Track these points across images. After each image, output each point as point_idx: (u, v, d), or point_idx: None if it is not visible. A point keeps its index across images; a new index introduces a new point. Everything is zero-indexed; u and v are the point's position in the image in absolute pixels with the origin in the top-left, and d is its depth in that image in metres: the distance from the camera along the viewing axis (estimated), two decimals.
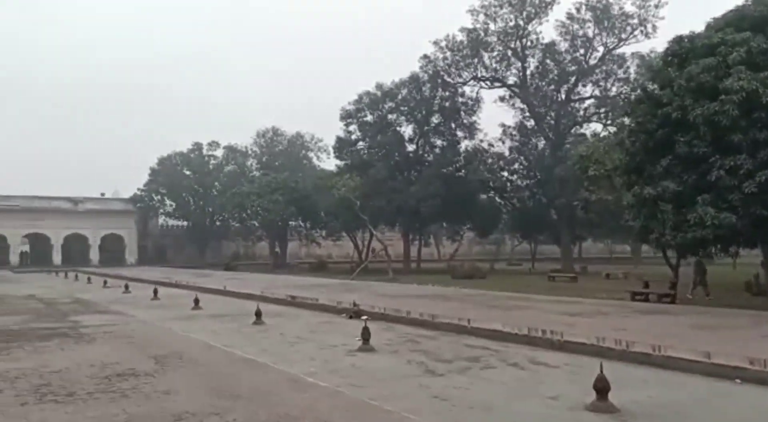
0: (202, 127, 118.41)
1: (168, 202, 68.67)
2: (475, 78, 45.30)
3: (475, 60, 44.31)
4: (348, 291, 23.15)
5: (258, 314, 15.53)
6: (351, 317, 16.69)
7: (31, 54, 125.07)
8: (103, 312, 17.39)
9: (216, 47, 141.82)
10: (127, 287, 27.60)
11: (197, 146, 67.87)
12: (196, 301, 19.40)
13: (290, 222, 58.52)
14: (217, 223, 68.35)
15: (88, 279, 36.33)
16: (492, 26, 43.31)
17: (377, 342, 11.40)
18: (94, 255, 68.05)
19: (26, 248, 71.08)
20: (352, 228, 50.53)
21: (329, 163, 61.98)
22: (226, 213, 62.80)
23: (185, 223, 70.97)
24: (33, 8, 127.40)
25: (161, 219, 73.85)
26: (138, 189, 67.95)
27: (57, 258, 65.30)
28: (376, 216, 43.76)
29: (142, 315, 16.75)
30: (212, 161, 68.19)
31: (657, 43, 41.47)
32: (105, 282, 32.18)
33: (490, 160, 45.64)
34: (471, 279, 33.56)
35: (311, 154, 66.93)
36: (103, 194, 72.63)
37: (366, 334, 11.51)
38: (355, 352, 10.97)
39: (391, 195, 42.78)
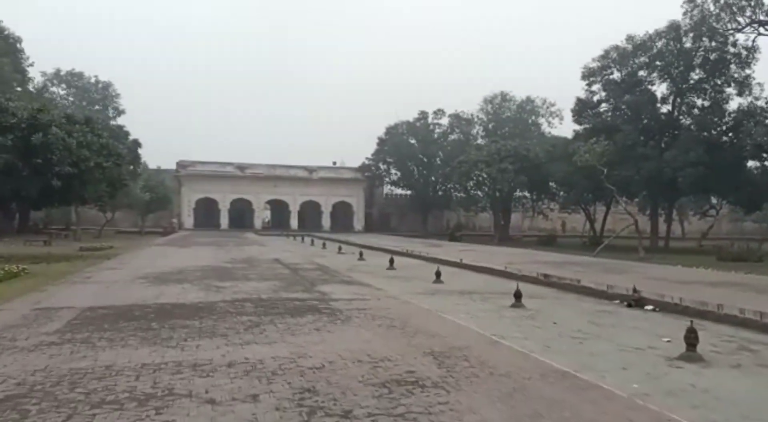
0: (428, 98, 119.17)
1: (393, 170, 69.49)
2: (753, 22, 37.50)
3: (754, 1, 36.53)
4: (605, 272, 19.66)
5: (517, 296, 13.08)
6: (630, 306, 13.49)
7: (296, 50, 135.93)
8: (348, 283, 16.19)
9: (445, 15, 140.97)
10: (361, 254, 27.04)
11: (423, 115, 67.42)
12: (438, 274, 17.61)
13: (514, 193, 55.42)
14: (440, 193, 67.61)
15: (323, 244, 37.11)
16: None
17: (699, 347, 8.26)
18: (326, 221, 71.64)
19: (268, 213, 77.45)
20: (588, 200, 45.90)
21: (561, 129, 57.49)
22: (449, 183, 61.58)
23: (408, 192, 71.46)
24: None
25: (386, 188, 75.31)
26: (366, 158, 69.89)
27: (294, 223, 69.88)
28: (622, 187, 38.77)
29: (387, 288, 15.22)
30: (437, 130, 67.34)
31: None
32: (339, 248, 32.40)
33: None
34: (744, 262, 27.88)
35: (542, 120, 62.65)
36: (334, 163, 76.06)
37: (692, 337, 8.38)
38: (677, 362, 7.97)
39: (641, 162, 37.49)
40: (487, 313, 11.98)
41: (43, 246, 31.36)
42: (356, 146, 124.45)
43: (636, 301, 13.59)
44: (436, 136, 67.02)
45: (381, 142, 68.72)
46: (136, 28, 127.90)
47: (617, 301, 14.05)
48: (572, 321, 11.22)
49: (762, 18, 37.36)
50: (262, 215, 72.72)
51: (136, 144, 53.34)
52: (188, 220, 67.03)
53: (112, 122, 60.07)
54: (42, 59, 65.34)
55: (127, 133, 54.16)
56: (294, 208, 71.38)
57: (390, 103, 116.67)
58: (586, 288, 15.79)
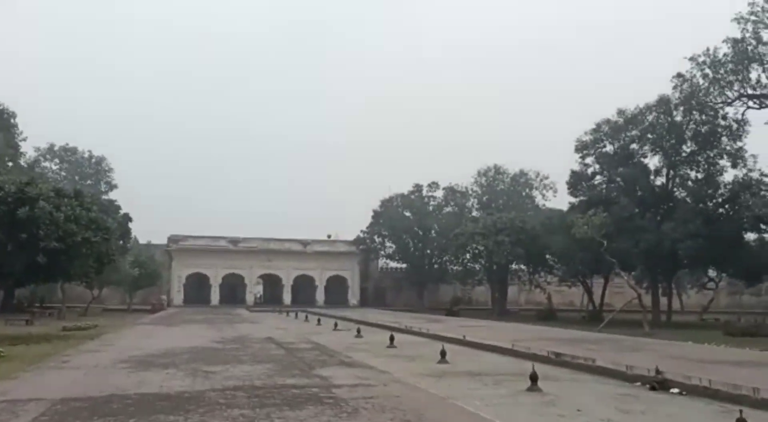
0: (422, 170, 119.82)
1: (388, 243, 68.92)
2: (742, 96, 38.07)
3: (744, 75, 37.22)
4: (618, 350, 18.63)
5: (534, 378, 12.08)
6: (654, 389, 12.47)
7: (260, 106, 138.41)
8: (349, 365, 15.12)
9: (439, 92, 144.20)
10: (359, 331, 25.90)
11: (417, 188, 67.64)
12: (443, 354, 16.56)
13: (511, 266, 54.66)
14: (435, 266, 66.74)
15: (318, 320, 35.85)
16: (766, 35, 36.10)
17: None
18: (320, 295, 70.18)
19: (260, 288, 75.96)
20: (585, 273, 45.13)
21: (556, 201, 57.38)
22: (445, 256, 60.87)
23: (404, 266, 70.57)
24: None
25: (381, 262, 74.40)
26: (361, 231, 69.40)
27: (287, 297, 68.38)
28: (621, 260, 38.09)
29: (391, 370, 14.16)
30: (432, 202, 67.39)
31: None
32: (335, 325, 31.22)
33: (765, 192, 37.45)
34: (753, 337, 26.88)
35: (535, 193, 62.87)
36: (329, 236, 75.41)
37: None
38: None
39: (639, 234, 37.02)
40: (504, 399, 10.97)
41: (25, 326, 30.01)
42: (351, 219, 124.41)
43: (660, 384, 12.58)
44: (431, 208, 67.00)
45: (376, 214, 68.51)
46: (134, 105, 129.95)
47: (638, 383, 13.04)
48: (597, 408, 10.22)
49: (750, 92, 37.95)
50: (254, 290, 71.26)
51: (127, 218, 52.69)
52: (178, 296, 65.49)
53: (104, 196, 59.76)
54: (37, 134, 65.64)
55: (118, 207, 53.67)
56: (287, 283, 70.07)
57: (385, 175, 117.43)
58: (604, 369, 14.74)
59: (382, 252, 70.49)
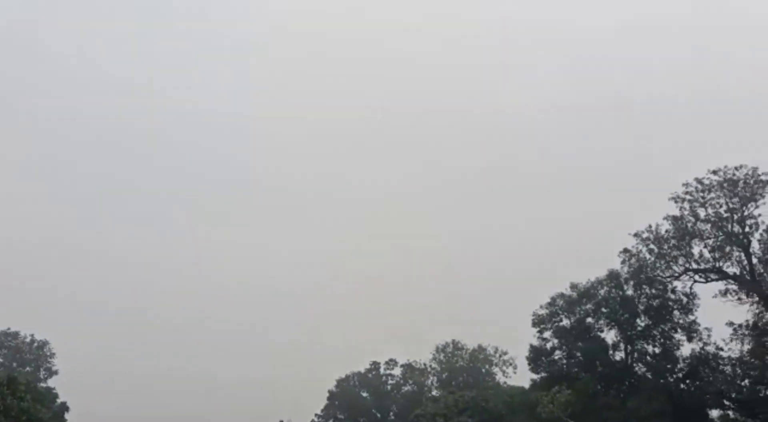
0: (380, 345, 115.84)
1: None
2: (687, 270, 39.54)
3: (686, 250, 39.04)
4: None
5: None
6: None
7: None
8: None
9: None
10: None
11: (375, 365, 65.50)
12: None
13: None
14: None
15: None
16: (702, 212, 38.56)
17: None
18: None
19: None
20: None
21: (516, 378, 56.02)
22: None
23: None
24: None
25: None
26: (315, 415, 65.51)
27: None
28: None
29: None
30: (390, 381, 64.90)
31: None
32: None
33: (727, 368, 37.43)
34: None
35: (495, 369, 61.46)
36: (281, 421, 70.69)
37: None
38: None
39: (605, 412, 35.86)
40: None
41: None
42: (304, 401, 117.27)
43: None
44: (389, 387, 64.36)
45: (331, 395, 65.16)
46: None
47: None
48: None
49: (695, 266, 39.50)
50: None
51: (64, 407, 49.68)
52: None
53: (42, 384, 56.33)
54: None
55: (55, 396, 50.62)
56: None
57: (337, 356, 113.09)
58: None
59: None
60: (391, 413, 62.32)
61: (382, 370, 65.41)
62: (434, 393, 59.16)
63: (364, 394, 64.42)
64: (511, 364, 59.40)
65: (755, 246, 38.23)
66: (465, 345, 63.54)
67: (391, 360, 65.14)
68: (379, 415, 63.05)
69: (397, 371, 65.30)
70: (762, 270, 38.22)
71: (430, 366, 64.56)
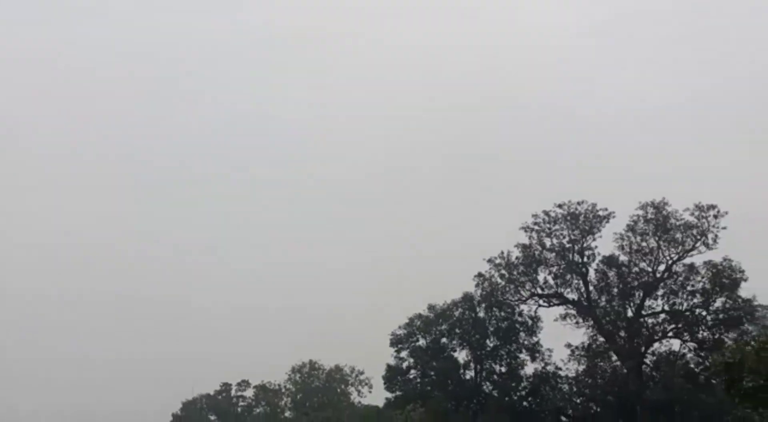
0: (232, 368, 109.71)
1: None
2: (533, 295, 42.47)
3: (533, 276, 41.96)
4: None
5: None
6: None
7: None
8: None
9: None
10: None
11: (225, 387, 62.91)
12: None
13: None
14: None
15: None
16: (548, 242, 41.72)
17: None
18: None
19: None
20: None
21: (372, 397, 56.49)
22: None
23: None
24: None
25: None
26: None
27: None
28: None
29: None
30: (241, 403, 62.58)
31: (729, 251, 39.52)
32: None
33: (564, 386, 40.42)
34: None
35: (351, 389, 61.47)
36: None
37: None
38: None
39: None
40: None
41: None
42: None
43: None
44: (240, 409, 62.02)
45: (175, 419, 61.58)
46: None
47: None
48: None
49: (539, 291, 42.51)
50: None
51: None
52: None
53: None
54: None
55: None
56: None
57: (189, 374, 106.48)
58: None
59: None
60: None
61: (233, 392, 63.02)
62: (287, 414, 58.04)
63: (212, 417, 61.61)
64: (366, 384, 59.73)
65: (592, 275, 42.09)
66: (322, 365, 63.07)
67: (243, 381, 62.96)
68: None
69: (249, 393, 63.21)
70: (597, 297, 42.11)
71: (285, 386, 63.24)
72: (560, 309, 42.48)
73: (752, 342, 20.90)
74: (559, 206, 41.89)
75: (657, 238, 40.09)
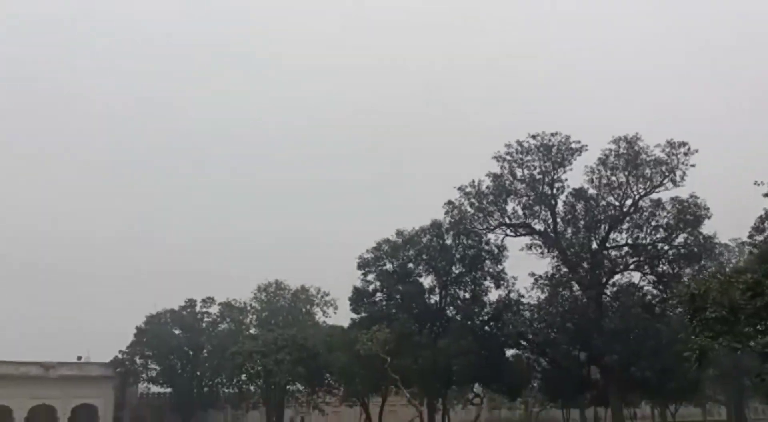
0: (199, 287, 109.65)
1: (152, 365, 61.75)
2: (501, 224, 42.88)
3: (502, 206, 42.21)
4: None
5: None
6: None
7: None
8: None
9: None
10: None
11: (190, 303, 62.60)
12: None
13: (288, 387, 52.29)
14: (205, 389, 61.18)
15: None
16: (519, 172, 41.75)
17: None
18: None
19: None
20: (368, 392, 44.81)
21: (336, 318, 57.37)
22: (218, 378, 56.50)
23: (169, 390, 63.46)
24: None
25: (142, 386, 66.08)
26: (120, 351, 61.22)
27: None
28: (402, 376, 38.58)
29: None
30: (206, 319, 62.73)
31: (695, 189, 40.22)
32: None
33: (526, 313, 41.61)
34: None
35: (316, 309, 62.18)
36: (79, 358, 65.43)
37: None
38: None
39: (418, 351, 38.22)
40: None
41: None
42: (110, 338, 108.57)
43: None
44: (204, 325, 62.29)
45: (139, 332, 61.38)
46: None
47: None
48: None
49: (507, 221, 42.91)
50: None
51: None
52: None
53: None
54: None
55: None
56: (19, 416, 58.30)
57: (156, 291, 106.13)
58: None
59: (144, 376, 62.67)
60: (205, 351, 60.63)
61: (198, 307, 62.96)
62: (253, 331, 58.69)
63: (177, 331, 61.69)
64: (332, 305, 60.48)
65: (560, 206, 42.57)
66: (288, 285, 63.47)
67: (208, 297, 62.78)
68: (191, 353, 61.00)
69: (214, 309, 63.34)
70: (563, 229, 42.75)
71: (251, 305, 63.64)
72: (527, 239, 43.20)
73: (718, 275, 21.50)
74: (533, 137, 41.70)
75: (626, 173, 40.40)
